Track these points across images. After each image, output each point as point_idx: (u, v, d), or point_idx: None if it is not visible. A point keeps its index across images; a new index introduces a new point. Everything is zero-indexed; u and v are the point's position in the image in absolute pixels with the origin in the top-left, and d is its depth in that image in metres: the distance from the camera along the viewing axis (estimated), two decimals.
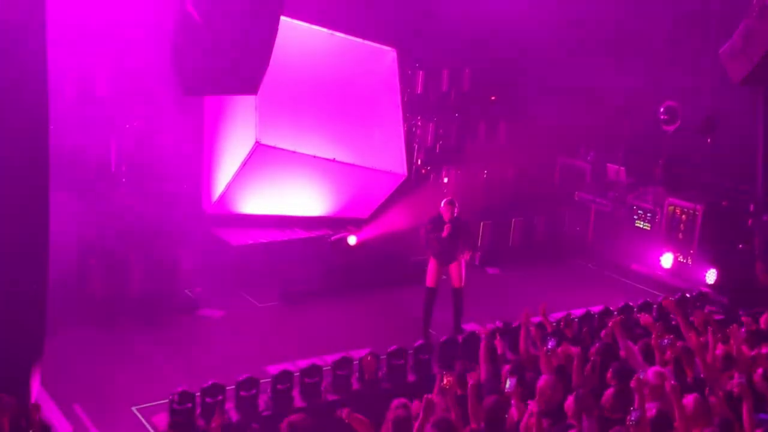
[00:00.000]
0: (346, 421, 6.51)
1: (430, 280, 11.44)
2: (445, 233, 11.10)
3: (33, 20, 7.37)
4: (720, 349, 7.81)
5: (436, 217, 11.30)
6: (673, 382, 6.64)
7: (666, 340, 7.87)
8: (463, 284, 11.47)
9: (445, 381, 6.61)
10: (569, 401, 6.58)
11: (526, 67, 15.90)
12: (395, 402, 6.68)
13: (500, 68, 16.15)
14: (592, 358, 7.71)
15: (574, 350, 7.85)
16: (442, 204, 11.31)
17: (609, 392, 6.76)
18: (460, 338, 10.18)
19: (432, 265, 11.41)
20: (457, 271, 11.41)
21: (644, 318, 8.91)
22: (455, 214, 11.24)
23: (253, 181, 12.99)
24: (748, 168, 13.51)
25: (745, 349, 8.08)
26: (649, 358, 7.85)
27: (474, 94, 16.28)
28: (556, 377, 7.13)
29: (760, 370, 7.37)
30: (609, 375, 7.18)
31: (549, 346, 7.80)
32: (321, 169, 13.10)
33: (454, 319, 11.53)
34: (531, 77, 15.92)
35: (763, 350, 7.99)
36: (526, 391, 6.94)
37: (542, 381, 6.91)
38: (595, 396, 6.80)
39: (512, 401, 6.82)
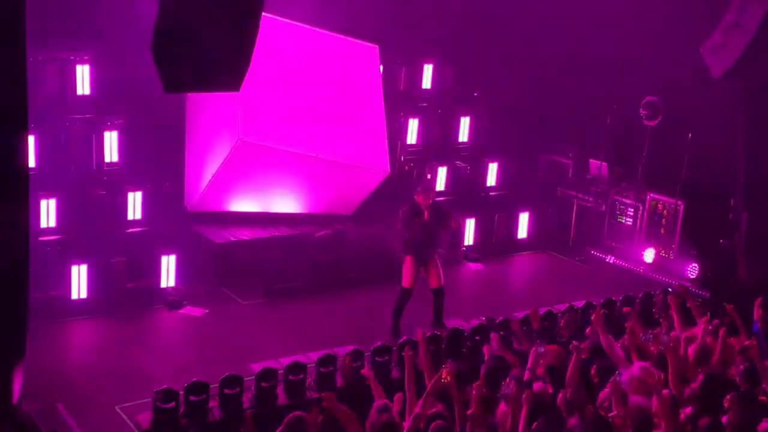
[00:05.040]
0: (326, 406, 6.44)
1: (406, 280, 11.14)
2: (426, 217, 10.96)
3: (11, 13, 7.29)
4: (696, 344, 7.86)
5: (412, 205, 11.12)
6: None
7: (650, 335, 7.92)
8: (442, 283, 11.26)
9: (444, 375, 6.55)
10: (560, 398, 6.55)
11: (509, 63, 15.91)
12: (377, 404, 6.65)
13: (483, 64, 16.15)
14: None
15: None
16: (417, 191, 11.18)
17: (604, 392, 6.74)
18: (444, 334, 10.15)
19: (408, 264, 11.14)
20: (436, 271, 11.21)
21: (625, 312, 8.97)
22: (432, 200, 11.15)
23: (236, 178, 12.95)
24: (730, 163, 13.60)
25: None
26: (629, 355, 7.89)
27: (457, 90, 16.27)
28: (548, 377, 7.13)
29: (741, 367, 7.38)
30: (592, 372, 7.20)
31: (539, 344, 7.80)
32: (304, 166, 13.08)
33: (434, 315, 11.33)
34: (514, 73, 15.93)
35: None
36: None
37: (535, 385, 6.86)
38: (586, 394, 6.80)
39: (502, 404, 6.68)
